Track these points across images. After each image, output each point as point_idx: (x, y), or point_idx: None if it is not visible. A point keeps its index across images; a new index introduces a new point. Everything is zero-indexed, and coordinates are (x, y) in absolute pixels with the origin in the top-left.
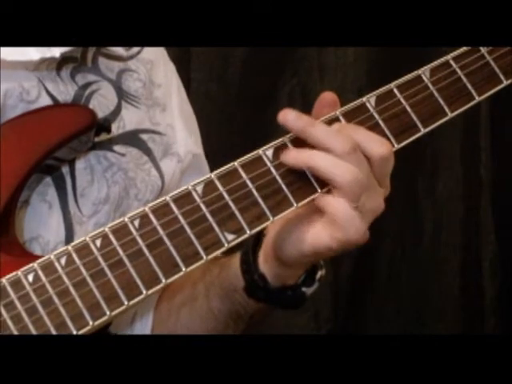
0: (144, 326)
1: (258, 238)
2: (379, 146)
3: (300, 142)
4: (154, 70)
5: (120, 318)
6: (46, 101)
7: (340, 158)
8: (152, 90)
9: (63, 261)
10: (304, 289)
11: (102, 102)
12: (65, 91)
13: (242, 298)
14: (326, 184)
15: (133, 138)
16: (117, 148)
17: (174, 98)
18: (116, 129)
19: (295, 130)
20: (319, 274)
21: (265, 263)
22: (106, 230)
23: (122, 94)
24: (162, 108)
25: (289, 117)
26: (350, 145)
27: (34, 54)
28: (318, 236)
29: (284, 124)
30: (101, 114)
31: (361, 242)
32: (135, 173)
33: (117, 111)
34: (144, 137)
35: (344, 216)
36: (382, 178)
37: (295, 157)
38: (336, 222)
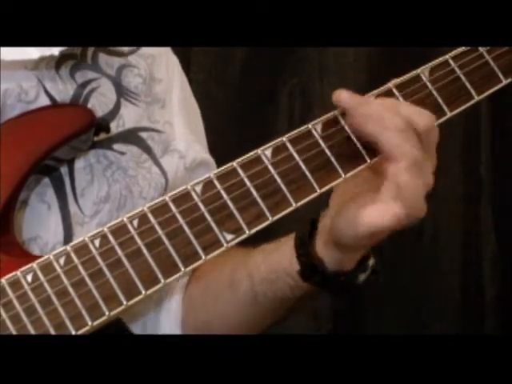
0: (172, 318)
1: (314, 222)
2: (424, 116)
3: (297, 142)
4: (155, 65)
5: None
6: (44, 101)
7: (396, 135)
8: (152, 85)
9: (62, 261)
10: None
11: (101, 101)
12: (64, 90)
13: (294, 282)
14: (324, 184)
15: (132, 136)
16: (116, 146)
17: (174, 93)
18: (115, 127)
19: (349, 107)
20: (371, 261)
21: (324, 247)
22: (105, 229)
23: (122, 92)
24: (161, 105)
25: (342, 95)
26: (405, 121)
27: (33, 52)
28: (377, 214)
29: (337, 103)
30: (100, 112)
31: (421, 217)
32: (136, 171)
33: (116, 109)
34: (143, 135)
35: (413, 190)
36: (428, 150)
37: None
38: (404, 197)
